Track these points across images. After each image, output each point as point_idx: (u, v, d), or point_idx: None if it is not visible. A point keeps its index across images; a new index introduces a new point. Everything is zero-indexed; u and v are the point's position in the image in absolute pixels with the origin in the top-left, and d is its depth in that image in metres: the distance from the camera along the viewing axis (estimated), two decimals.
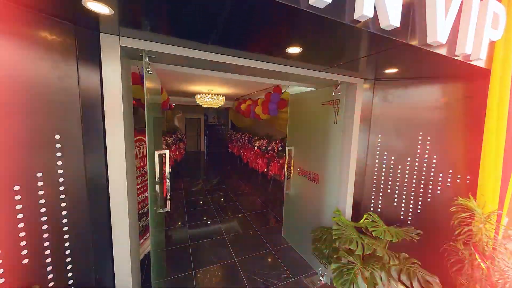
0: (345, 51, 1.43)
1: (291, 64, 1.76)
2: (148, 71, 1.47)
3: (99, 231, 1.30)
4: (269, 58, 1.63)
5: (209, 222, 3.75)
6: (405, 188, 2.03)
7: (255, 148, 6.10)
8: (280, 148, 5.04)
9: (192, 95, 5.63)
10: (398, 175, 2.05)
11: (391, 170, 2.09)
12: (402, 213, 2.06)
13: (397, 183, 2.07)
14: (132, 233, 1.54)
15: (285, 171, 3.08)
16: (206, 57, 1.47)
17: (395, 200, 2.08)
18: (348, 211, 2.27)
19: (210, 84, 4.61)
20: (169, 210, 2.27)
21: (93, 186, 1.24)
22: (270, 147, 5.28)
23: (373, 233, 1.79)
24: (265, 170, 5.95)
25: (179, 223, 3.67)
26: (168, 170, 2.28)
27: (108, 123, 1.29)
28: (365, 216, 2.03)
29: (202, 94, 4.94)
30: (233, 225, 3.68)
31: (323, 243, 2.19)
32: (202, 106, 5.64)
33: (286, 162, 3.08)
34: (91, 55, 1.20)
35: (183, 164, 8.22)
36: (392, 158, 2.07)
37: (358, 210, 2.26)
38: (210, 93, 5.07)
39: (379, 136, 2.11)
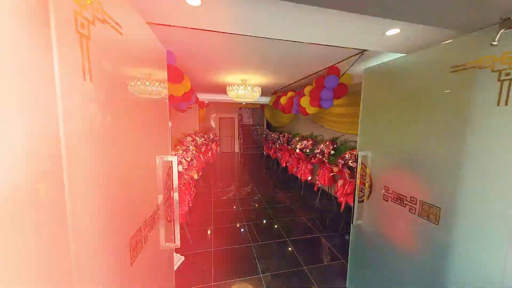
0: None
1: None
2: None
3: None
4: None
5: (239, 250, 2.82)
6: None
7: (297, 150, 5.00)
8: (332, 152, 3.85)
9: (224, 88, 4.86)
10: None
11: None
12: None
13: None
14: None
15: (356, 189, 1.95)
16: None
17: None
18: None
19: (243, 72, 3.74)
20: (178, 245, 1.42)
21: None
22: (318, 150, 4.12)
23: None
24: (309, 178, 4.80)
25: (203, 250, 2.83)
26: (176, 183, 1.45)
27: None
28: None
29: (235, 86, 4.09)
30: (272, 257, 2.68)
31: None
32: (235, 100, 4.80)
33: (357, 175, 1.95)
34: None
35: (215, 167, 7.63)
36: None
37: None
38: (244, 83, 4.19)
39: None
